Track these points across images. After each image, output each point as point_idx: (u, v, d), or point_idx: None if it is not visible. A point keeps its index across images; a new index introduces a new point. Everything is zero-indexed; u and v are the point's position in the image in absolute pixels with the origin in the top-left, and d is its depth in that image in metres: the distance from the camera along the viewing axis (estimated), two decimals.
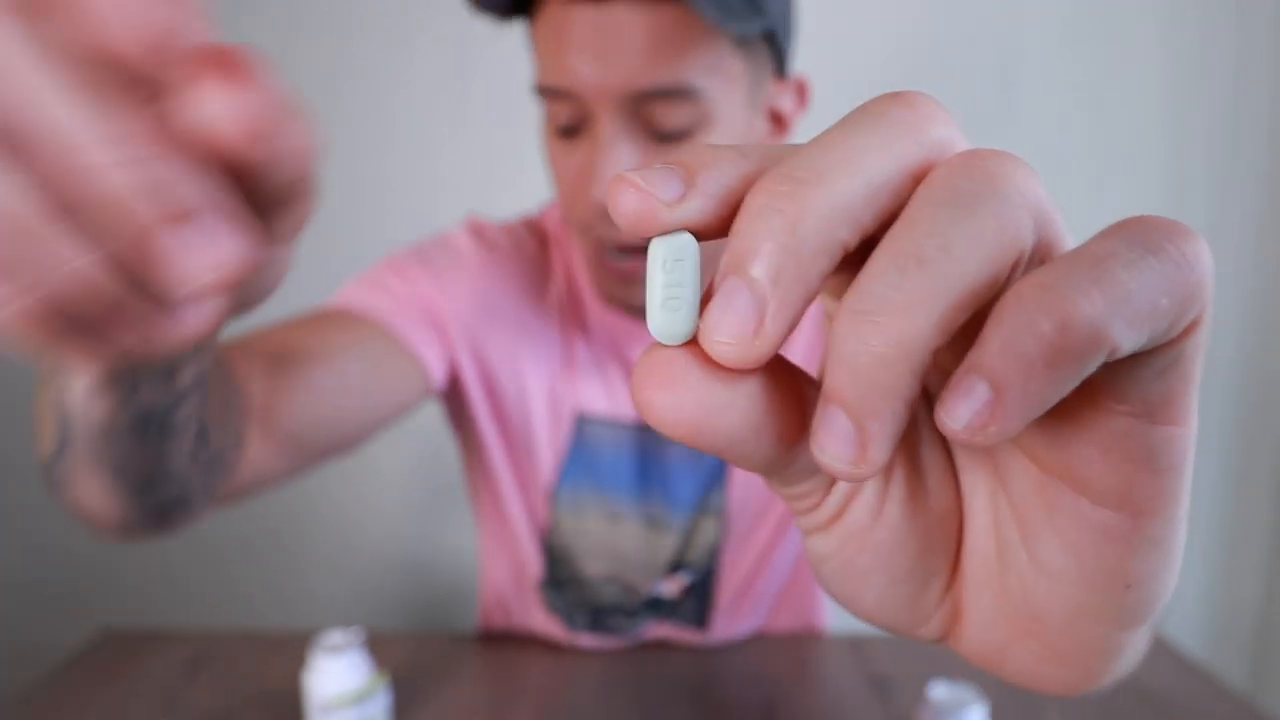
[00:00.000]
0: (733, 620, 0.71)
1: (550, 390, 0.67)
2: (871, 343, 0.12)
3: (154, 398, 0.36)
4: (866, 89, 1.44)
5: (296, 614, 1.49)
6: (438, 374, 0.62)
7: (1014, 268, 0.13)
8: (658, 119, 0.52)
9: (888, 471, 0.17)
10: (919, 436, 0.18)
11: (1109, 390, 0.14)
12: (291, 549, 1.47)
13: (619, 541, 0.68)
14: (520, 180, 1.37)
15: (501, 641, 0.72)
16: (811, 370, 0.65)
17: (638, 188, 0.13)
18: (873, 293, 0.12)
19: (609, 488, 0.67)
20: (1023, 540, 0.16)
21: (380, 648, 0.70)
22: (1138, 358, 0.13)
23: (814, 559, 0.18)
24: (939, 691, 0.53)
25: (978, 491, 0.18)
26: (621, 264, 0.58)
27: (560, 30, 0.52)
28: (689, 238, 0.14)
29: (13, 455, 1.44)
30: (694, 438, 0.14)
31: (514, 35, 1.32)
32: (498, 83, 1.33)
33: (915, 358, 0.12)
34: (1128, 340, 0.12)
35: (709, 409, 0.14)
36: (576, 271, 0.68)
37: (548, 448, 0.68)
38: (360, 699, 0.55)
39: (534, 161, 1.34)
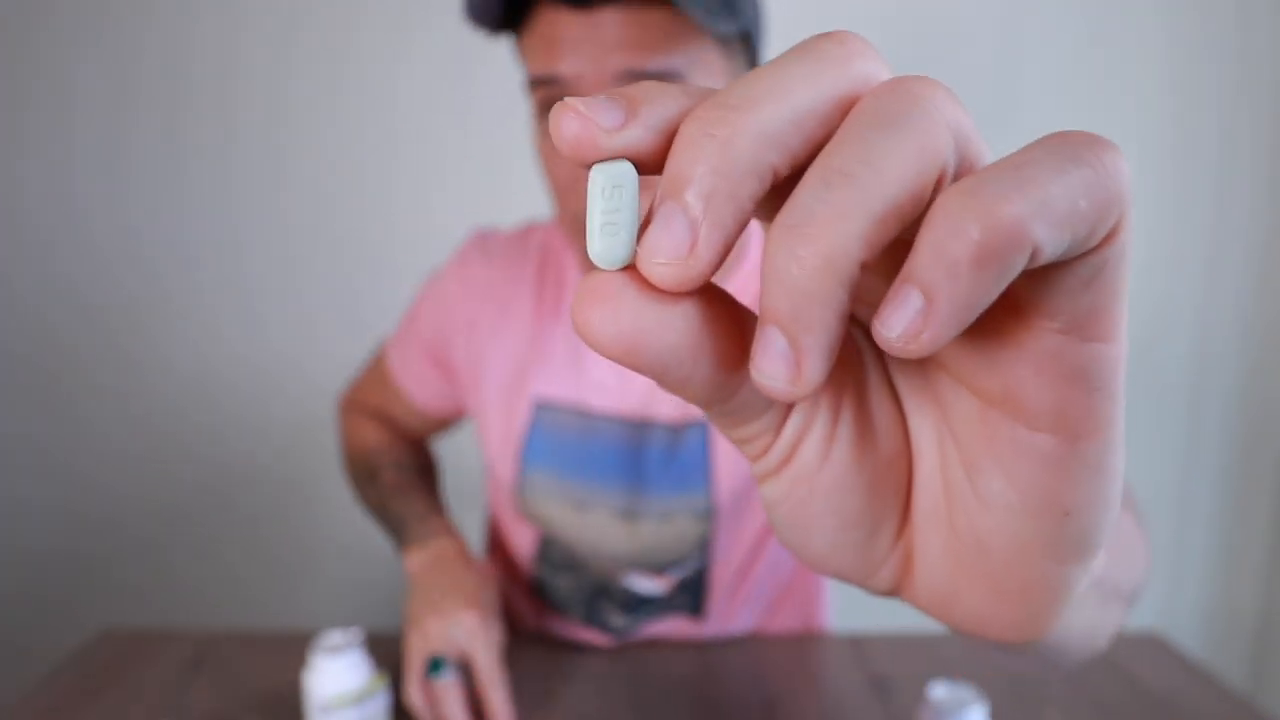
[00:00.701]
0: (730, 610, 0.71)
1: (509, 377, 0.71)
2: (800, 254, 0.13)
3: None
4: None
5: (296, 614, 1.49)
6: (419, 399, 0.79)
7: (938, 183, 0.13)
8: None
9: (834, 414, 0.18)
10: (865, 381, 0.18)
11: (1039, 306, 0.14)
12: (292, 549, 1.47)
13: (589, 530, 0.69)
14: (521, 179, 1.37)
15: None
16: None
17: (579, 113, 0.14)
18: (801, 206, 0.13)
19: (574, 475, 0.69)
20: (968, 476, 0.17)
21: (380, 648, 0.70)
22: (1063, 267, 0.14)
23: (766, 505, 0.19)
24: (939, 691, 0.53)
25: (924, 433, 0.18)
26: None
27: (550, 31, 0.55)
28: (628, 165, 0.14)
29: (13, 456, 1.44)
30: (629, 356, 0.14)
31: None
32: (499, 81, 1.33)
33: (843, 268, 0.13)
34: (1049, 241, 0.12)
35: (644, 328, 0.14)
36: (567, 273, 0.72)
37: (503, 434, 0.71)
38: (360, 699, 0.55)
39: (534, 160, 1.34)
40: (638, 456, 0.68)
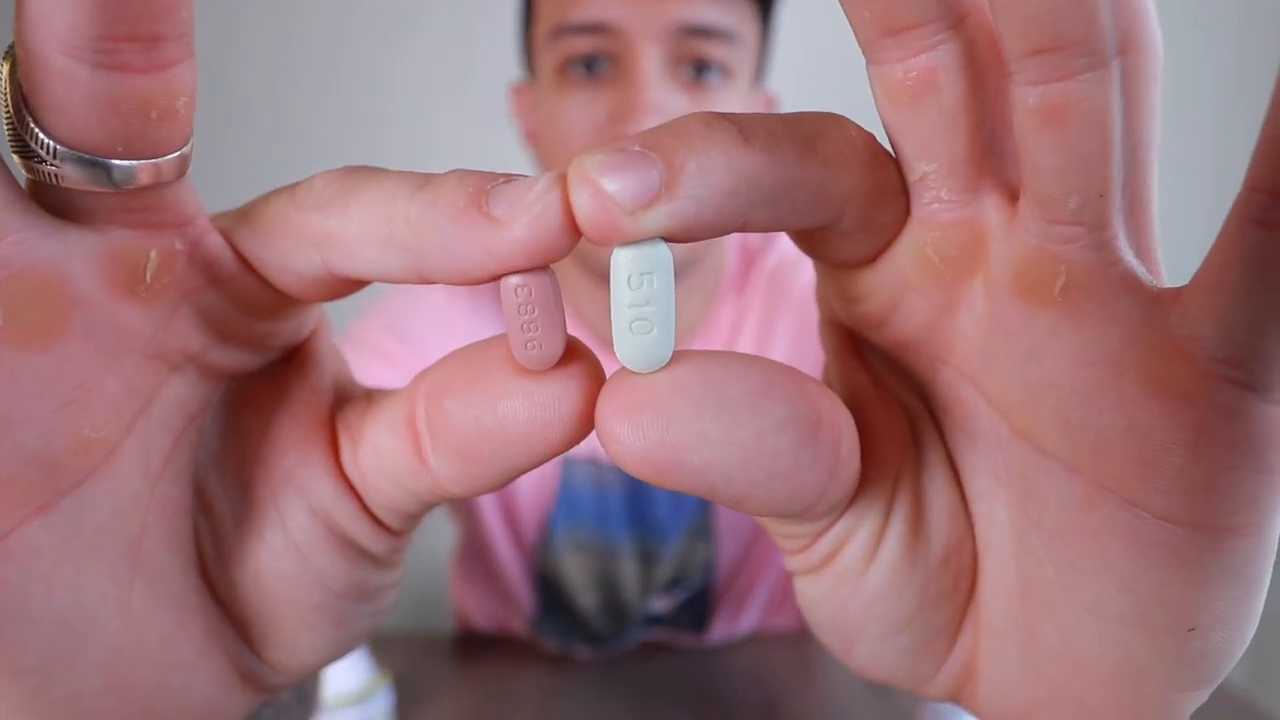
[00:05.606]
0: (733, 623, 0.71)
1: None
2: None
3: None
4: (858, 97, 1.44)
5: None
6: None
7: None
8: (702, 53, 0.51)
9: (887, 506, 0.15)
10: (922, 463, 0.15)
11: (1210, 348, 0.11)
12: None
13: (614, 577, 0.67)
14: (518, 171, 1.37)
15: (502, 643, 0.72)
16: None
17: (595, 189, 0.11)
18: None
19: (599, 530, 0.66)
20: (1061, 576, 0.13)
21: (381, 648, 0.70)
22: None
23: (804, 604, 0.16)
24: None
25: (995, 521, 0.15)
26: None
27: None
28: (661, 248, 0.11)
29: None
30: (662, 475, 0.12)
31: (512, 31, 1.32)
32: (496, 80, 1.33)
33: None
34: None
35: (682, 441, 0.12)
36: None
37: (532, 493, 0.67)
38: (361, 699, 0.55)
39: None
40: (646, 502, 0.66)
